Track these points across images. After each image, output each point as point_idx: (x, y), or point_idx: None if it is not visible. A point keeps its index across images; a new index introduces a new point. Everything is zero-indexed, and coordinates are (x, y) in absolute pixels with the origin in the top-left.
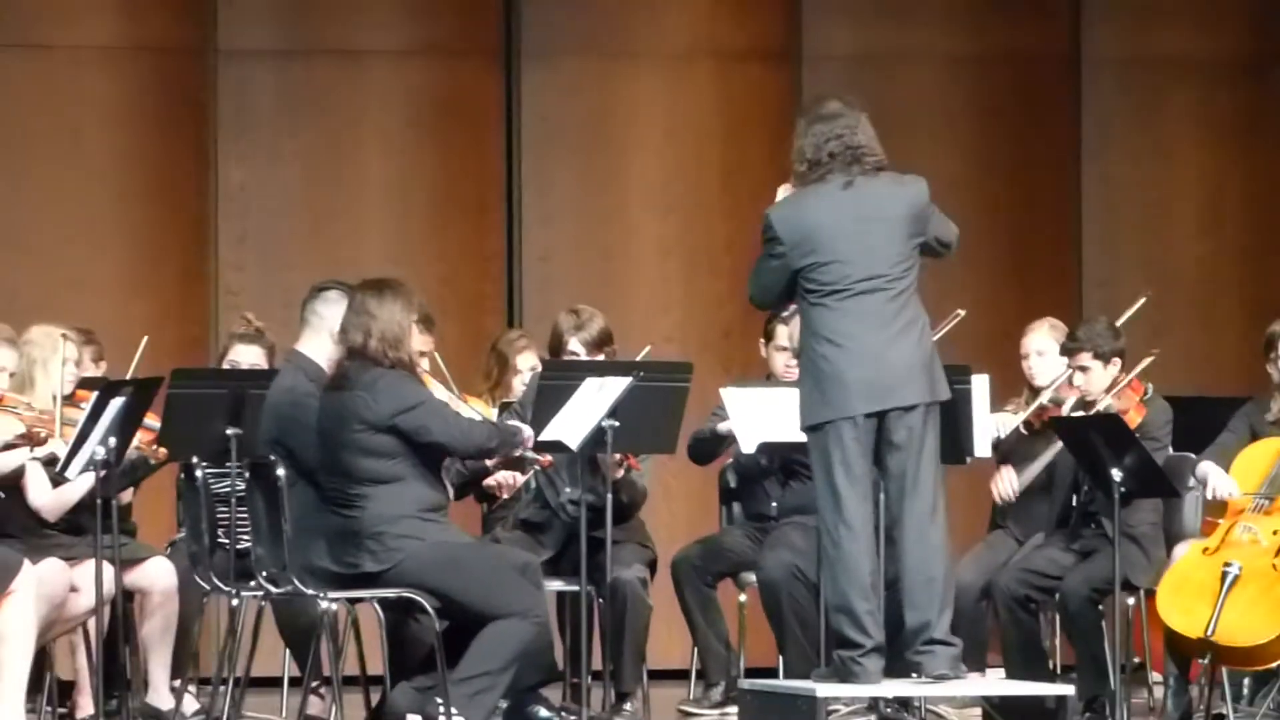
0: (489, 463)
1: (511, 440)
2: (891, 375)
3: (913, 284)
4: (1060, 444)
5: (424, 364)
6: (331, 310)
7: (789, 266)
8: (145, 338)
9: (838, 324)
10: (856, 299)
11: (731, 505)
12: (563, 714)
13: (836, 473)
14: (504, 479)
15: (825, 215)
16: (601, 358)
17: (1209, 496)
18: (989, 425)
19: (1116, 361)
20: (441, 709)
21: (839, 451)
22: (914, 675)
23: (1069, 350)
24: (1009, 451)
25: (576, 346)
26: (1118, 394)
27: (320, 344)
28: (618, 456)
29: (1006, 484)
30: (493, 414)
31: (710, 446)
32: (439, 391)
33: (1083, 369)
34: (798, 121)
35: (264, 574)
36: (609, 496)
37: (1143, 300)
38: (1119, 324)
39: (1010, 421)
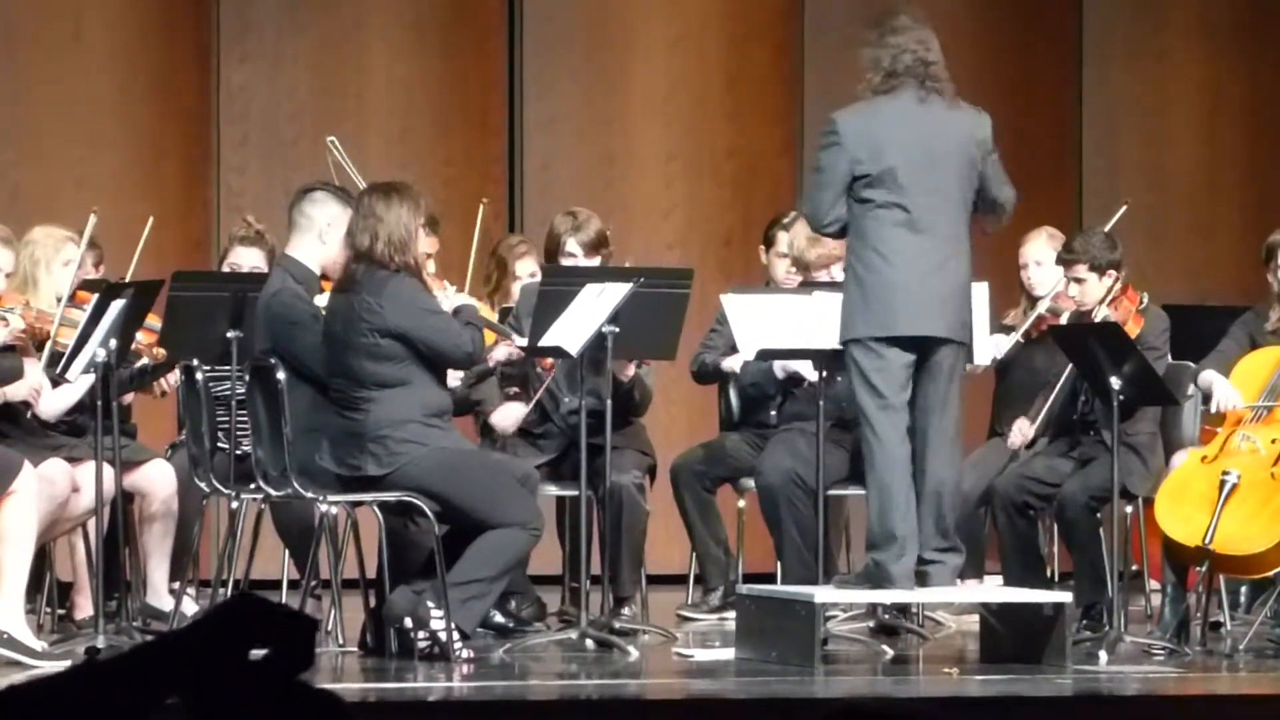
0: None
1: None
2: (934, 302)
3: (965, 217)
4: (1066, 373)
5: (430, 266)
6: (319, 211)
7: (848, 172)
8: (150, 219)
9: (891, 240)
10: (912, 219)
11: (731, 411)
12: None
13: (873, 392)
14: (503, 421)
15: (895, 132)
16: (598, 260)
17: (1213, 410)
18: (988, 336)
19: (1112, 273)
20: (434, 610)
21: (878, 371)
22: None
23: (1065, 261)
24: (1009, 361)
25: (574, 248)
26: (1113, 304)
27: (309, 246)
28: None
29: (1018, 434)
30: (494, 317)
31: (714, 379)
32: (444, 295)
33: (1078, 280)
34: (867, 32)
35: (264, 476)
36: (609, 402)
37: (1124, 208)
38: (1106, 230)
39: (1006, 343)
